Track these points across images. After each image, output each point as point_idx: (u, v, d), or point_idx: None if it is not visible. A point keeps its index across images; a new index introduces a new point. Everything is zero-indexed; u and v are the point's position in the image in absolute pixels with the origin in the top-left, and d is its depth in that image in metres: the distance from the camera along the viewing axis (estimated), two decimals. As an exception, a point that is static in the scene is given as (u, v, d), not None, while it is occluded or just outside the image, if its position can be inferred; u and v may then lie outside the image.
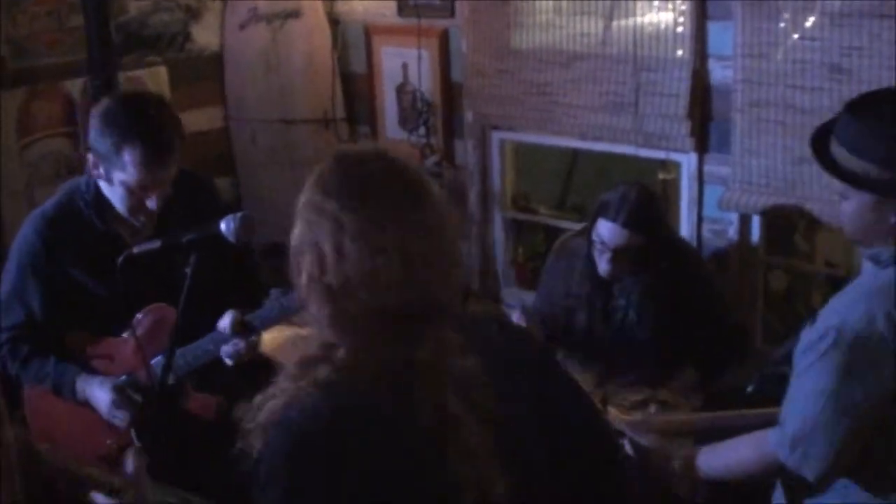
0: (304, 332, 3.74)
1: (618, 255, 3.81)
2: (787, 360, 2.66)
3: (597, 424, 2.20)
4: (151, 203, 3.20)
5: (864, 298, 2.42)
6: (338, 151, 1.98)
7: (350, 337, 1.86)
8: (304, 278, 1.88)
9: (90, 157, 3.23)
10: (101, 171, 3.21)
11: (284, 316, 3.12)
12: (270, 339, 4.08)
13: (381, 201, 1.84)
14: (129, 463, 2.25)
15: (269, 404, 1.85)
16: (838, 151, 2.48)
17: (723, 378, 3.96)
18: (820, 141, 2.58)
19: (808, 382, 2.46)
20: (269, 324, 3.17)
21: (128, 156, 3.11)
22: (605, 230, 3.81)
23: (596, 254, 3.88)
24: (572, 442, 2.05)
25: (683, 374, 3.89)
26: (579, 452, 2.06)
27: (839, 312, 2.44)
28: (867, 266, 2.54)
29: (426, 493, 1.81)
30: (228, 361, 3.21)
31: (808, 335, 2.50)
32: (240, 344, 3.15)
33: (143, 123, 3.14)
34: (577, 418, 2.11)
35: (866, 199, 2.46)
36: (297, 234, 1.90)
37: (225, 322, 3.16)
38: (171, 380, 2.99)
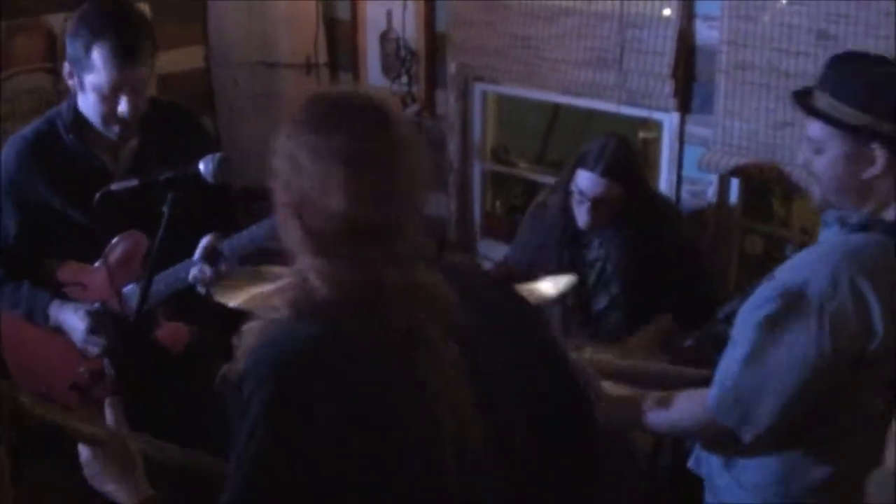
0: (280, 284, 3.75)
1: (596, 205, 3.83)
2: (729, 320, 2.66)
3: (575, 387, 2.22)
4: (123, 107, 3.16)
5: (830, 261, 2.40)
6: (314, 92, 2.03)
7: (320, 258, 1.90)
8: (277, 204, 1.95)
9: (65, 66, 3.21)
10: (75, 80, 3.19)
11: (253, 244, 3.11)
12: (249, 296, 4.09)
13: (334, 120, 1.91)
14: (109, 414, 2.25)
15: (249, 328, 1.91)
16: (821, 97, 2.47)
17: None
18: (803, 94, 2.58)
19: (751, 339, 2.45)
20: (237, 251, 3.14)
21: (97, 54, 3.09)
22: (584, 180, 3.83)
23: (574, 205, 3.90)
24: (550, 402, 2.07)
25: (660, 320, 3.91)
26: (556, 415, 2.08)
27: (802, 273, 2.43)
28: (832, 229, 2.51)
29: (406, 414, 1.86)
30: (200, 289, 3.19)
31: (763, 292, 2.48)
32: (206, 269, 3.13)
33: (113, 22, 3.13)
34: (556, 380, 2.13)
35: (840, 151, 2.44)
36: (271, 167, 1.96)
37: (198, 249, 3.15)
38: (136, 310, 3.00)
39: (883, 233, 2.43)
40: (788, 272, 2.47)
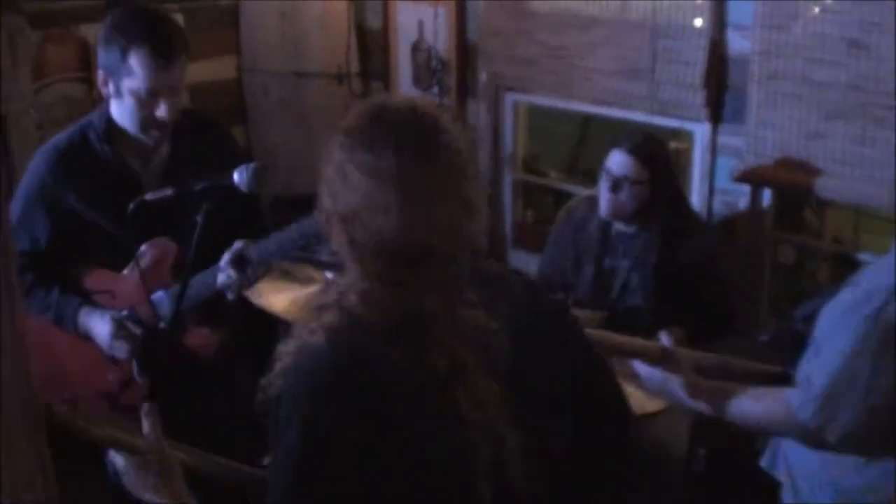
0: (311, 290, 3.77)
1: (619, 185, 3.86)
2: (809, 319, 2.65)
3: (615, 392, 2.21)
4: (162, 111, 3.19)
5: None
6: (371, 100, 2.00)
7: (362, 275, 1.89)
8: (325, 213, 1.93)
9: (99, 74, 3.24)
10: (111, 87, 3.22)
11: (281, 250, 3.12)
12: (281, 299, 4.11)
13: (386, 134, 1.87)
14: (146, 422, 2.26)
15: (286, 348, 1.90)
16: None
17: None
18: None
19: (845, 342, 2.43)
20: (266, 257, 3.15)
21: (134, 58, 3.12)
22: (612, 158, 3.89)
23: (601, 191, 3.93)
24: (589, 407, 2.07)
25: (672, 333, 3.89)
26: (595, 419, 2.08)
27: (888, 275, 2.43)
28: None
29: (441, 443, 1.84)
30: (230, 295, 3.20)
31: (849, 295, 2.48)
32: (233, 274, 3.14)
33: (148, 26, 3.16)
34: (595, 383, 2.13)
35: None
36: (321, 173, 1.95)
37: (226, 254, 3.15)
38: (171, 314, 3.02)
39: None
40: (873, 278, 2.45)
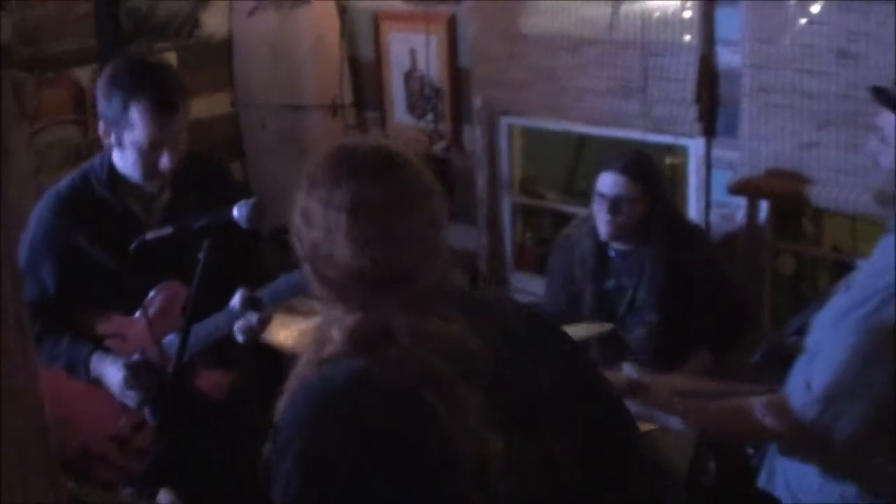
0: (312, 321, 3.77)
1: (616, 206, 3.87)
2: (800, 333, 2.66)
3: (618, 407, 2.22)
4: (164, 162, 3.22)
5: None
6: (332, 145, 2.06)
7: (339, 308, 1.95)
8: (297, 258, 2.00)
9: (100, 124, 3.26)
10: (112, 137, 3.24)
11: (292, 292, 3.14)
12: (284, 332, 4.11)
13: (339, 171, 1.93)
14: (163, 497, 2.29)
15: (285, 387, 1.96)
16: None
17: (730, 354, 3.97)
18: (882, 89, 2.60)
19: (847, 341, 2.44)
20: (277, 299, 3.17)
21: (136, 111, 3.15)
22: (604, 180, 3.90)
23: (596, 213, 3.95)
24: (594, 424, 2.08)
25: (697, 356, 3.91)
26: (601, 436, 2.09)
27: (882, 277, 2.44)
28: None
29: (425, 453, 1.88)
30: (240, 338, 3.22)
31: (842, 299, 2.49)
32: (252, 318, 3.16)
33: (148, 79, 3.19)
34: (598, 399, 2.15)
35: None
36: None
37: (235, 300, 3.17)
38: (176, 359, 3.03)
39: None
40: (865, 282, 2.48)
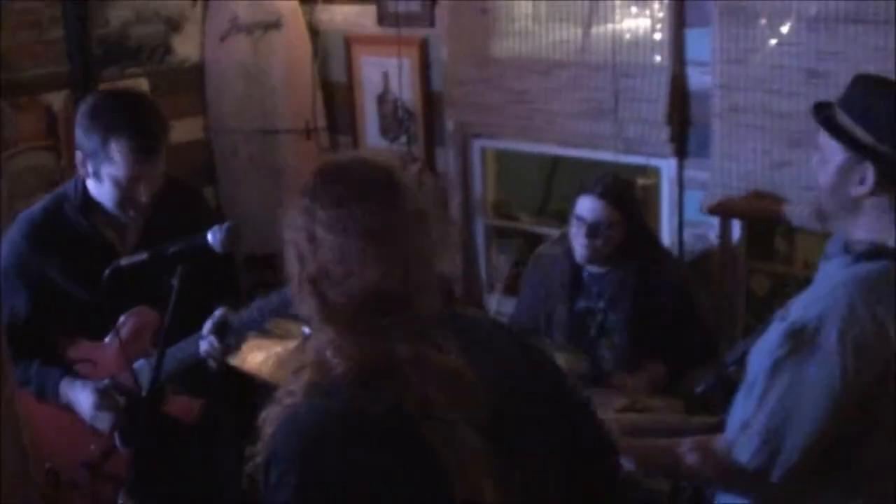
0: (289, 346, 3.77)
1: (595, 230, 3.88)
2: (740, 362, 2.65)
3: (600, 432, 2.22)
4: (141, 196, 3.21)
5: (844, 291, 2.39)
6: (325, 160, 2.06)
7: (336, 332, 1.91)
8: (292, 278, 1.96)
9: (78, 154, 3.24)
10: (89, 168, 3.23)
11: (262, 317, 3.13)
12: (259, 358, 4.10)
13: (348, 189, 1.92)
14: None
15: (269, 415, 1.91)
16: (839, 114, 2.49)
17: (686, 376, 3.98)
18: (821, 105, 2.60)
19: (779, 376, 2.41)
20: (248, 325, 3.17)
21: (115, 148, 3.14)
22: (583, 204, 3.91)
23: (573, 238, 3.96)
24: (574, 450, 2.08)
25: (651, 368, 3.91)
26: (580, 463, 2.08)
27: (816, 308, 2.42)
28: (836, 260, 2.50)
29: (419, 484, 1.85)
30: (210, 363, 3.21)
31: (777, 333, 2.47)
32: (215, 343, 3.15)
33: (129, 115, 3.18)
34: (578, 423, 2.15)
35: (838, 161, 2.47)
36: (284, 240, 1.97)
37: (208, 322, 3.16)
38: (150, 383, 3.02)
39: (890, 259, 2.42)
40: (802, 310, 2.45)
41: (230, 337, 3.15)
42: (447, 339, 1.93)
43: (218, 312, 3.13)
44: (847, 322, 2.35)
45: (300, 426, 1.86)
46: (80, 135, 3.22)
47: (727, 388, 2.63)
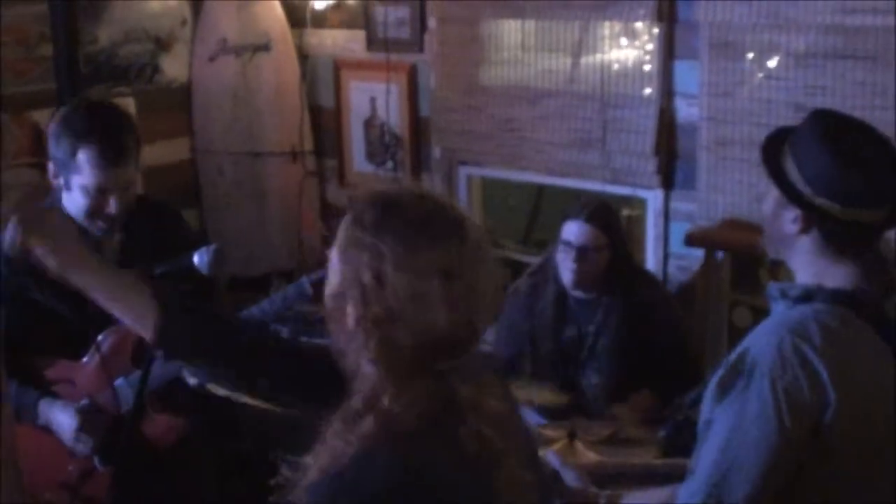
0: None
1: (582, 255, 3.88)
2: (696, 405, 2.63)
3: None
4: (111, 207, 3.19)
5: (776, 335, 2.36)
6: (372, 190, 1.95)
7: (393, 375, 1.83)
8: (349, 318, 1.85)
9: (50, 166, 3.23)
10: (61, 179, 3.21)
11: (277, 310, 3.13)
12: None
13: (414, 226, 1.84)
14: None
15: (316, 461, 1.83)
16: (787, 152, 2.47)
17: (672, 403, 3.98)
18: (776, 137, 2.57)
19: (724, 421, 2.38)
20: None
21: (83, 157, 3.13)
22: (570, 228, 3.91)
23: (560, 263, 3.95)
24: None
25: (639, 396, 3.91)
26: None
27: (752, 350, 2.38)
28: (777, 303, 2.49)
29: None
30: (192, 381, 3.19)
31: (722, 375, 2.44)
32: None
33: (97, 124, 3.17)
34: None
35: (775, 197, 2.46)
36: (335, 275, 1.89)
37: None
38: (132, 403, 3.01)
39: (825, 301, 2.40)
40: (740, 354, 2.41)
41: None
42: (491, 379, 1.90)
43: None
44: (777, 370, 2.32)
45: (364, 478, 1.76)
46: (52, 145, 3.22)
47: (691, 430, 2.60)
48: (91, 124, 3.16)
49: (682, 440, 2.95)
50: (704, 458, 2.41)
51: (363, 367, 1.87)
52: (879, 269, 2.46)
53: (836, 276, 2.42)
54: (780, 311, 2.47)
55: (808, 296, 2.43)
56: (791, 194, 2.42)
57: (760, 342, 2.39)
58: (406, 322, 1.80)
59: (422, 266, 1.80)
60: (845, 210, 2.37)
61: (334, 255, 1.90)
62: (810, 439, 2.33)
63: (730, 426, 2.37)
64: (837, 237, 2.41)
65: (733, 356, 2.43)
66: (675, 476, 2.72)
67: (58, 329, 3.29)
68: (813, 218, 2.39)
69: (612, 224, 3.95)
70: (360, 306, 1.83)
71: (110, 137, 3.15)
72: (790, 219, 2.43)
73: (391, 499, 1.75)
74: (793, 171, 2.42)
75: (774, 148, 2.52)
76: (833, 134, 2.44)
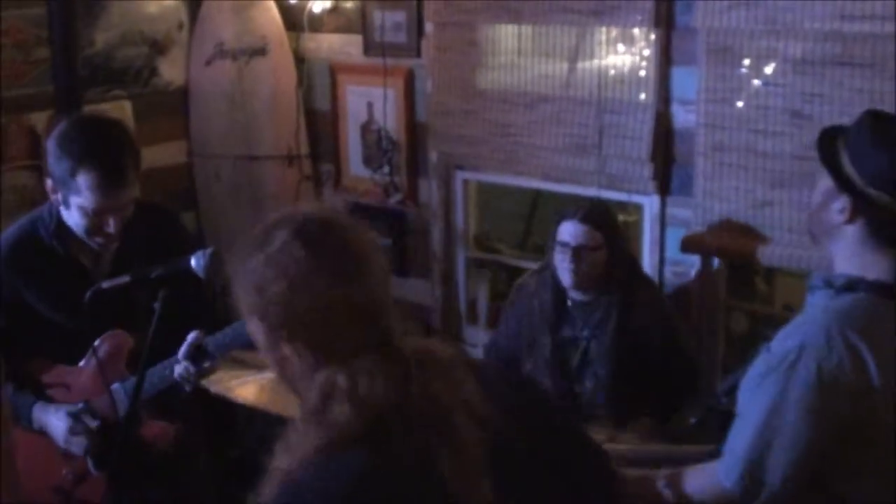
0: (269, 375, 3.74)
1: (579, 254, 3.90)
2: (731, 393, 2.70)
3: (607, 475, 2.20)
4: (110, 227, 3.19)
5: (822, 322, 2.48)
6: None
7: (339, 360, 1.87)
8: (267, 345, 1.95)
9: (48, 181, 3.22)
10: (59, 196, 3.20)
11: (238, 340, 3.12)
12: (251, 390, 4.09)
13: (265, 232, 1.97)
14: None
15: (279, 467, 1.83)
16: (841, 145, 2.59)
17: (672, 418, 3.98)
18: (831, 130, 2.71)
19: (761, 405, 2.48)
20: (222, 348, 3.15)
21: (83, 181, 3.10)
22: (565, 229, 3.94)
23: (558, 264, 3.97)
24: (577, 488, 2.05)
25: (639, 423, 3.91)
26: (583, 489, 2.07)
27: (795, 338, 2.48)
28: (819, 293, 2.60)
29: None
30: (185, 387, 3.19)
31: (761, 362, 2.53)
32: (190, 367, 3.13)
33: (98, 148, 3.14)
34: (587, 469, 2.12)
35: (826, 185, 2.60)
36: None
37: (183, 347, 3.14)
38: (128, 407, 3.01)
39: (867, 291, 2.52)
40: (783, 340, 2.52)
41: (205, 360, 3.14)
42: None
43: (192, 336, 3.11)
44: (824, 352, 2.42)
45: (320, 483, 1.78)
46: (50, 162, 3.18)
47: (719, 420, 2.67)
48: (92, 148, 3.12)
49: (712, 427, 3.00)
50: (741, 437, 2.52)
51: (315, 377, 1.89)
52: None
53: (877, 267, 2.55)
54: (823, 301, 2.57)
55: (851, 286, 2.54)
56: (843, 182, 2.53)
57: (806, 331, 2.49)
58: (303, 304, 1.87)
59: (277, 250, 1.91)
60: (894, 201, 2.49)
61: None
62: (851, 424, 2.44)
63: (768, 408, 2.47)
64: (884, 228, 2.54)
65: (774, 344, 2.53)
66: (697, 460, 2.78)
67: (54, 334, 3.29)
68: (861, 207, 2.52)
69: (608, 223, 3.97)
70: (266, 327, 1.93)
71: (111, 161, 3.12)
72: (838, 208, 2.56)
73: (373, 485, 1.78)
74: (846, 163, 2.55)
75: (828, 142, 2.64)
76: (885, 130, 2.56)
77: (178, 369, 3.14)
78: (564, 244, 3.92)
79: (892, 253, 2.54)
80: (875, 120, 2.60)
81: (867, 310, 2.50)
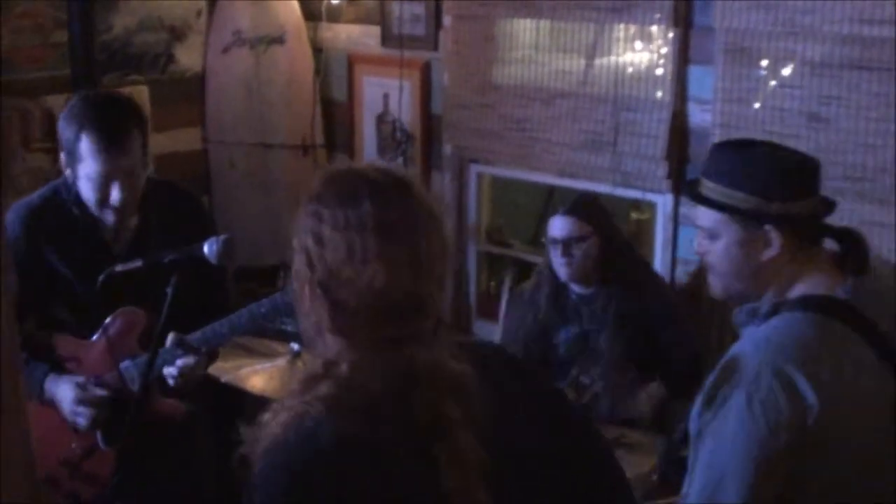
0: (278, 364, 3.76)
1: (570, 246, 3.95)
2: (685, 440, 2.60)
3: (612, 470, 2.17)
4: (115, 196, 3.19)
5: (750, 356, 2.34)
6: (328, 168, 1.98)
7: (350, 341, 1.85)
8: (299, 285, 1.88)
9: (61, 156, 3.25)
10: (70, 170, 3.22)
11: (233, 332, 3.13)
12: (259, 379, 4.11)
13: (357, 188, 1.86)
14: None
15: (272, 420, 1.82)
16: (707, 184, 2.47)
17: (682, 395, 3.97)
18: (691, 183, 2.57)
19: (705, 447, 2.35)
20: (213, 341, 3.16)
21: (84, 144, 3.13)
22: (553, 224, 4.00)
23: (553, 259, 4.02)
24: (587, 486, 2.04)
25: (649, 389, 3.92)
26: (590, 487, 2.05)
27: (730, 362, 2.36)
28: (748, 328, 2.46)
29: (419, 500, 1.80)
30: (172, 382, 3.19)
31: (704, 387, 2.43)
32: (189, 361, 3.14)
33: (100, 112, 3.18)
34: (590, 465, 2.09)
35: (735, 236, 2.43)
36: (293, 255, 1.91)
37: (168, 342, 3.14)
38: (137, 386, 3.05)
39: (791, 310, 2.39)
40: (715, 376, 2.37)
41: (189, 355, 3.14)
42: (453, 344, 1.88)
43: (170, 339, 3.10)
44: (752, 384, 2.29)
45: (285, 461, 1.77)
46: (60, 134, 3.24)
47: (683, 467, 2.57)
48: (93, 113, 3.17)
49: (675, 478, 2.94)
50: (697, 480, 2.39)
51: (326, 340, 1.88)
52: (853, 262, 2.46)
53: (808, 283, 2.42)
54: (754, 335, 2.43)
55: (776, 310, 2.41)
56: (754, 217, 2.40)
57: (739, 357, 2.36)
58: (346, 280, 1.82)
59: (356, 221, 1.82)
60: (796, 203, 2.40)
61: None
62: (798, 448, 2.30)
63: (711, 447, 2.35)
64: (803, 236, 2.43)
65: (717, 368, 2.40)
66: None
67: (68, 304, 3.32)
68: (785, 227, 2.39)
69: (594, 213, 4.01)
70: (304, 271, 1.86)
71: (110, 126, 3.15)
72: (762, 247, 2.41)
73: (325, 468, 1.76)
74: (733, 198, 2.41)
75: (696, 193, 2.51)
76: (737, 147, 2.52)
77: (172, 371, 3.16)
78: (554, 239, 3.98)
79: (816, 264, 2.45)
80: (722, 145, 2.59)
81: (792, 328, 2.37)
